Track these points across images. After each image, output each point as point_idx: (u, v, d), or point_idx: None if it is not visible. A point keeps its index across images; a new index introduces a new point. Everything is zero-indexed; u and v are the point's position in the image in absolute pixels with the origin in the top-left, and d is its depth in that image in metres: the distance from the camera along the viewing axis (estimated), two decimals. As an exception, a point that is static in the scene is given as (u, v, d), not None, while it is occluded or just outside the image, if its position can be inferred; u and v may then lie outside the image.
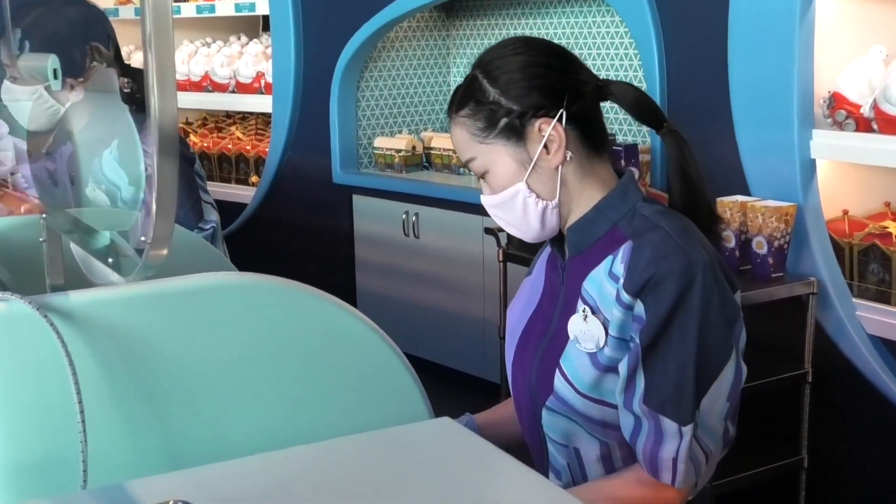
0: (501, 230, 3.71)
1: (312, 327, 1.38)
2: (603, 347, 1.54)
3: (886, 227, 2.97)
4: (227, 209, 5.38)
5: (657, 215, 1.57)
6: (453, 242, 4.39)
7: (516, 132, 1.58)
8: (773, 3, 3.05)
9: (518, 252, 3.49)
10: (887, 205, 3.13)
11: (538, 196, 1.60)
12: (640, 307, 1.50)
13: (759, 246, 3.00)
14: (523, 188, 1.59)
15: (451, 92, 1.66)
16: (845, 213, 3.11)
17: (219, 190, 5.47)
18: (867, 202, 3.17)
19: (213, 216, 2.90)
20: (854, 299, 3.02)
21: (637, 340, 1.51)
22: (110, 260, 1.24)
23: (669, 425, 1.50)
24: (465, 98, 1.62)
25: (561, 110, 1.57)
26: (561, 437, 1.62)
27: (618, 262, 1.54)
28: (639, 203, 1.60)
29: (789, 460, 3.11)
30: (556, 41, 1.70)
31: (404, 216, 4.59)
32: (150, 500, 1.11)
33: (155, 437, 1.29)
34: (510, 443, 1.74)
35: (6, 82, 2.27)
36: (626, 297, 1.51)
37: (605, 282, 1.55)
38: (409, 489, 1.18)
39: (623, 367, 1.53)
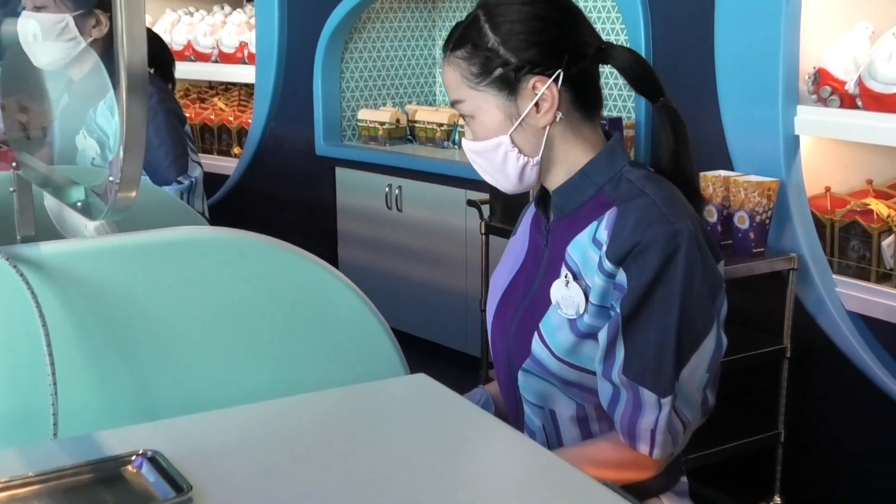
0: (485, 203, 3.72)
1: (286, 282, 1.37)
2: (583, 314, 1.52)
3: (868, 205, 2.97)
4: (210, 180, 5.32)
5: (643, 180, 1.55)
6: (436, 215, 4.37)
7: (509, 85, 1.55)
8: (760, -23, 3.04)
9: (500, 224, 3.48)
10: (869, 182, 3.13)
11: (520, 151, 1.57)
12: (621, 275, 1.49)
13: (741, 221, 3.00)
14: (506, 141, 1.57)
15: (448, 34, 1.63)
16: (827, 189, 3.11)
17: (201, 161, 5.43)
18: (850, 179, 3.17)
19: (196, 172, 2.92)
20: (834, 275, 3.03)
21: (618, 309, 1.49)
22: (79, 205, 1.23)
23: (648, 396, 1.49)
24: (463, 38, 1.58)
25: (559, 71, 1.54)
26: (537, 399, 1.61)
27: (602, 228, 1.52)
28: (626, 167, 1.58)
29: (766, 434, 3.12)
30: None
31: (387, 189, 4.57)
32: (120, 450, 1.10)
33: (126, 389, 1.28)
34: None
35: (25, 14, 2.26)
36: (608, 264, 1.49)
37: (588, 248, 1.54)
38: (384, 443, 1.17)
39: (602, 336, 1.51)
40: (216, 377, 1.34)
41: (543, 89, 1.54)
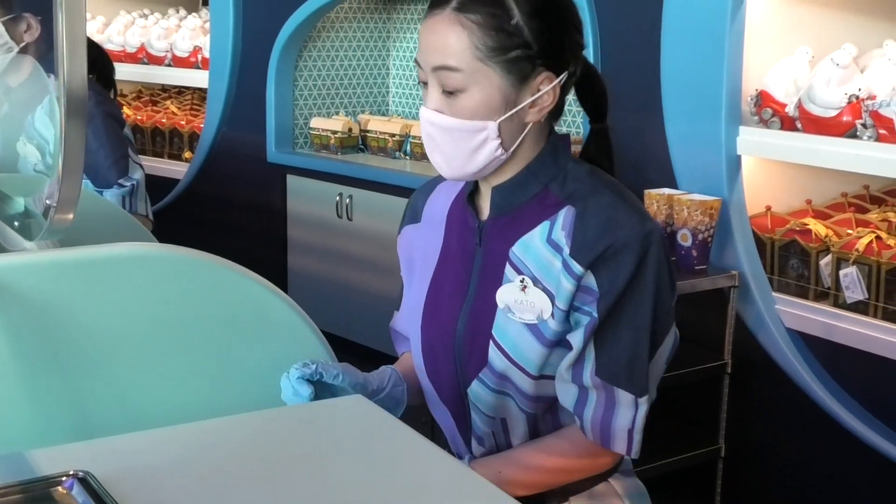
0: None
1: (227, 301, 1.38)
2: (547, 319, 1.47)
3: (807, 224, 3.03)
4: (159, 184, 5.32)
5: (592, 177, 1.51)
6: (386, 225, 4.38)
7: (520, 71, 1.45)
8: (706, 1, 3.09)
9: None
10: (809, 202, 3.19)
11: (501, 143, 1.47)
12: (590, 278, 1.45)
13: (684, 238, 3.05)
14: (492, 128, 1.46)
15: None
16: (768, 208, 3.17)
17: (151, 164, 5.40)
18: (789, 199, 3.23)
19: (137, 174, 2.92)
20: (774, 293, 3.08)
21: (594, 314, 1.45)
22: (16, 224, 1.23)
23: (624, 396, 1.47)
24: (480, 2, 1.44)
25: (564, 73, 1.48)
26: (489, 410, 1.56)
27: (557, 228, 1.47)
28: (569, 164, 1.52)
29: (707, 449, 3.17)
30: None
31: (338, 198, 4.57)
32: (51, 470, 1.10)
33: (62, 407, 1.28)
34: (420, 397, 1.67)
35: None
36: (577, 268, 1.44)
37: (542, 249, 1.48)
38: (319, 466, 1.19)
39: (577, 341, 1.47)
40: (153, 395, 1.34)
41: (548, 89, 1.47)
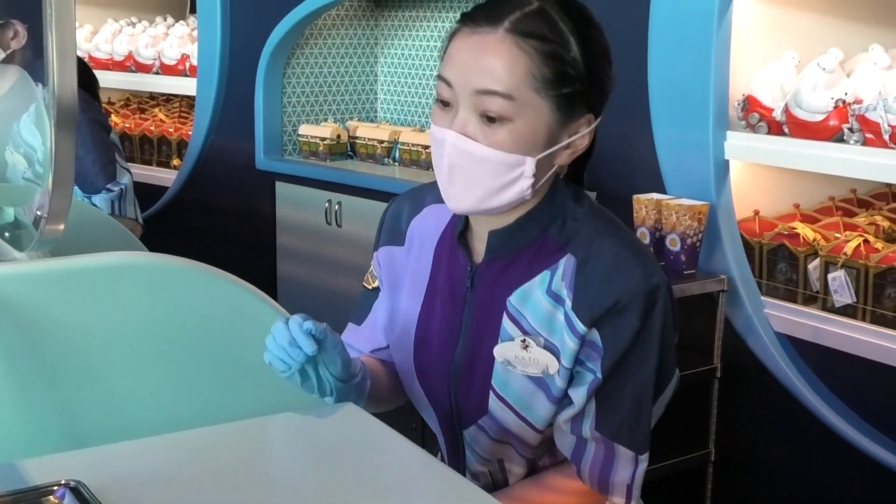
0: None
1: (216, 309, 1.38)
2: (553, 376, 1.41)
3: (795, 228, 3.04)
4: (148, 192, 5.31)
5: (592, 218, 1.42)
6: (375, 232, 4.38)
7: (570, 109, 1.37)
8: (692, 6, 3.10)
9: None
10: (796, 206, 3.21)
11: (535, 181, 1.37)
12: (594, 335, 1.39)
13: (673, 243, 3.06)
14: (530, 165, 1.35)
15: (488, 4, 1.35)
16: (756, 213, 3.18)
17: (139, 172, 5.39)
18: (777, 203, 3.24)
19: (124, 178, 2.94)
20: (763, 297, 3.09)
21: (598, 374, 1.39)
22: (7, 234, 1.23)
23: (625, 452, 1.42)
24: (537, 28, 1.33)
25: (601, 118, 1.42)
26: (485, 453, 1.52)
27: (557, 279, 1.40)
28: (569, 204, 1.44)
29: (697, 453, 3.18)
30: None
31: (327, 204, 4.57)
32: (42, 479, 1.10)
33: (53, 416, 1.29)
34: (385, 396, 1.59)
35: None
36: (580, 326, 1.38)
37: (542, 301, 1.41)
38: (311, 473, 1.19)
39: (580, 399, 1.41)
40: (144, 404, 1.34)
41: (586, 131, 1.40)
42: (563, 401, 1.43)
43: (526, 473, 1.53)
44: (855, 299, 2.87)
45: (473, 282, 1.47)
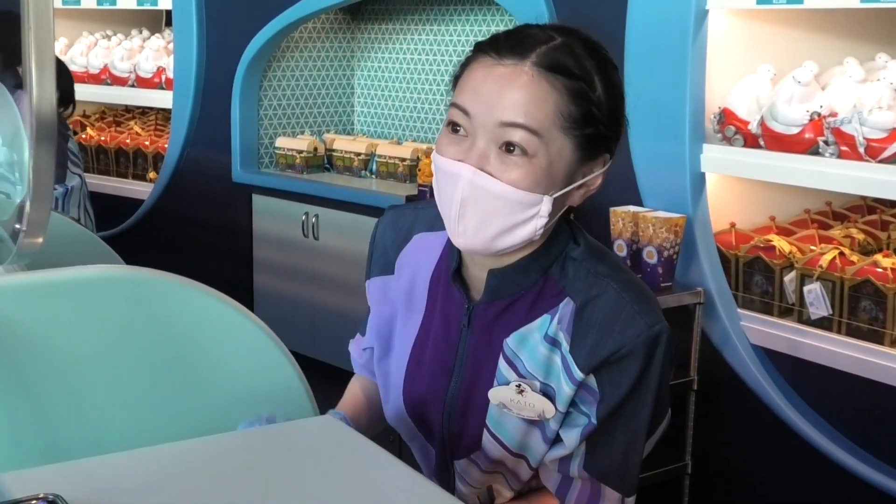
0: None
1: (195, 322, 1.37)
2: (548, 420, 1.39)
3: (771, 241, 3.06)
4: (124, 205, 5.29)
5: (590, 259, 1.39)
6: (352, 244, 4.38)
7: (590, 150, 1.33)
8: (668, 20, 3.13)
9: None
10: (772, 219, 3.23)
11: (548, 221, 1.34)
12: (591, 380, 1.36)
13: (650, 256, 3.07)
14: (547, 204, 1.31)
15: (515, 31, 1.33)
16: (732, 225, 3.20)
17: (115, 185, 5.38)
18: (753, 216, 3.26)
19: (73, 182, 3.04)
20: (739, 310, 3.11)
21: (594, 420, 1.37)
22: (-15, 248, 1.22)
23: (611, 494, 1.41)
24: (564, 64, 1.30)
25: (612, 159, 1.38)
26: (476, 483, 1.50)
27: (554, 323, 1.37)
28: (570, 244, 1.41)
29: (673, 466, 3.19)
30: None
31: (304, 217, 4.57)
32: (20, 493, 1.09)
33: (31, 429, 1.28)
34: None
35: None
36: (578, 373, 1.35)
37: (539, 346, 1.38)
38: (290, 486, 1.18)
39: (572, 442, 1.39)
40: (122, 417, 1.33)
41: (599, 172, 1.37)
42: (555, 440, 1.42)
43: (513, 495, 1.52)
44: (830, 312, 2.89)
45: (470, 321, 1.43)
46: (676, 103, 3.12)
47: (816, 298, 2.90)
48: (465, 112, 1.31)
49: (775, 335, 3.02)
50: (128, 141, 5.42)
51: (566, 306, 1.36)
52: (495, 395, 1.40)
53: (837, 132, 2.82)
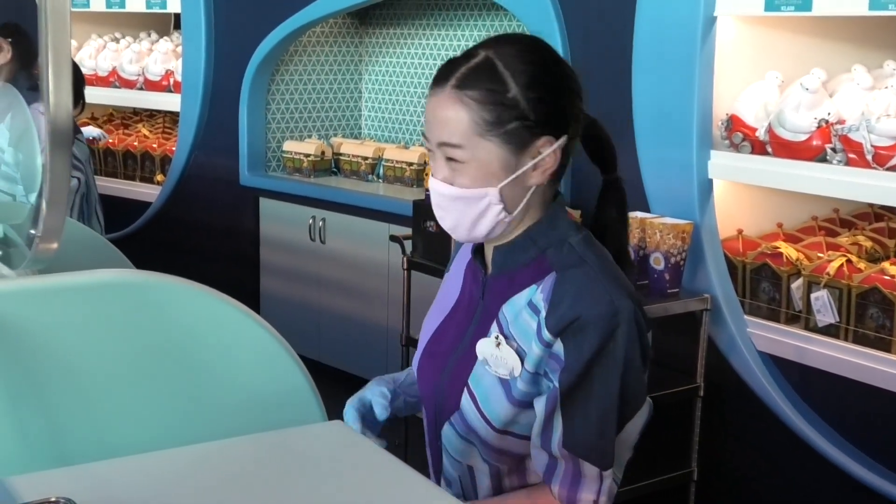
0: (407, 238, 3.75)
1: (205, 326, 1.38)
2: (516, 378, 1.51)
3: (778, 248, 3.06)
4: (131, 207, 5.30)
5: (583, 246, 1.54)
6: (359, 249, 4.39)
7: (519, 140, 1.49)
8: (676, 26, 3.13)
9: (422, 261, 3.52)
10: (779, 226, 3.23)
11: (504, 206, 1.52)
12: (559, 346, 1.48)
13: (657, 262, 3.07)
14: (494, 194, 1.50)
15: (445, 67, 1.53)
16: (740, 232, 3.20)
17: (122, 187, 5.39)
18: (761, 222, 3.26)
19: (70, 183, 3.16)
20: (745, 316, 3.11)
21: (556, 383, 1.48)
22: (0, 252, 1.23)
23: (590, 469, 1.49)
24: (477, 79, 1.49)
25: (565, 136, 1.51)
26: (456, 454, 1.61)
27: (538, 293, 1.51)
28: (570, 233, 1.56)
29: (679, 472, 3.19)
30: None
31: (311, 220, 4.58)
32: (33, 496, 1.10)
33: (42, 433, 1.28)
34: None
35: None
36: (546, 334, 1.48)
37: (523, 310, 1.53)
38: (296, 492, 1.19)
39: (540, 408, 1.50)
40: (132, 421, 1.34)
41: (549, 151, 1.51)
42: (526, 408, 1.52)
43: (492, 488, 1.61)
44: (837, 319, 2.89)
45: (484, 292, 1.61)
46: (684, 110, 3.12)
47: (823, 306, 2.91)
48: (425, 137, 1.57)
49: (782, 342, 3.02)
50: (136, 143, 5.44)
51: (550, 278, 1.52)
52: (480, 347, 1.56)
53: (845, 139, 2.83)
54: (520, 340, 1.52)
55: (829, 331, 2.91)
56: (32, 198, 1.13)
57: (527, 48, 1.54)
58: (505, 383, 1.53)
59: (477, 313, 1.60)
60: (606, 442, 1.49)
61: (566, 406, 1.49)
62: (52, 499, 1.08)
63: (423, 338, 1.71)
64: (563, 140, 1.52)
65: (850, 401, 2.90)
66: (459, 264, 1.72)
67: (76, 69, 3.46)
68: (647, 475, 3.10)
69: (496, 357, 1.53)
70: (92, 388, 1.32)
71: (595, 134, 1.61)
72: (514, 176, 1.50)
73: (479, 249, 1.64)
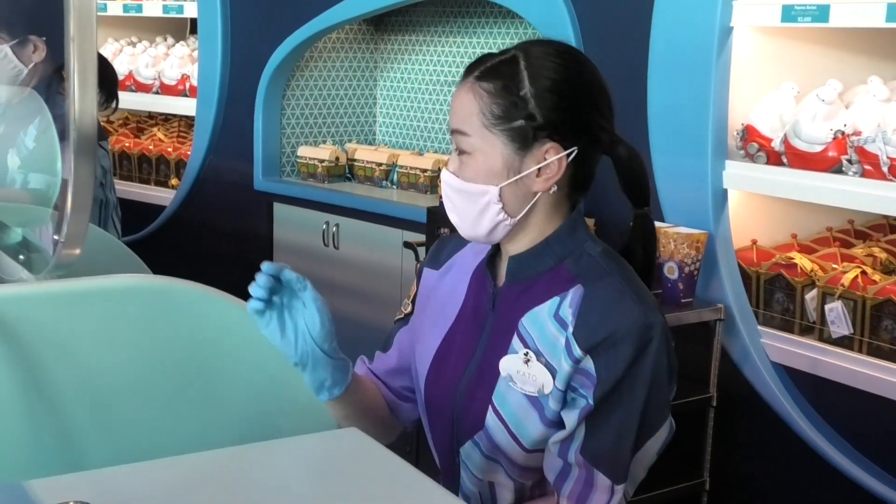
0: (421, 245, 3.75)
1: (223, 332, 1.39)
2: (547, 396, 1.50)
3: (792, 258, 3.06)
4: (146, 211, 5.32)
5: (605, 258, 1.53)
6: (372, 255, 4.39)
7: (524, 140, 1.50)
8: (692, 36, 3.13)
9: (435, 267, 3.51)
10: (794, 236, 3.22)
11: (503, 208, 1.52)
12: (589, 363, 1.47)
13: (671, 271, 3.07)
14: (494, 193, 1.51)
15: (475, 57, 1.55)
16: (754, 242, 3.19)
17: (137, 191, 5.41)
18: (775, 233, 3.26)
19: None
20: (759, 327, 3.10)
21: (590, 401, 1.47)
22: (21, 257, 1.24)
23: (602, 480, 1.49)
24: (495, 72, 1.51)
25: (574, 148, 1.51)
26: (478, 471, 1.59)
27: (566, 305, 1.50)
28: (587, 243, 1.55)
29: (691, 482, 3.18)
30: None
31: (325, 226, 4.58)
32: (48, 500, 1.10)
33: (58, 437, 1.29)
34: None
35: None
36: (577, 350, 1.47)
37: (549, 324, 1.51)
38: (311, 499, 1.19)
39: (571, 422, 1.49)
40: (148, 426, 1.35)
41: (553, 158, 1.50)
42: (554, 423, 1.51)
43: (514, 499, 1.59)
44: (852, 331, 2.88)
45: (494, 304, 1.58)
46: (699, 119, 3.12)
47: (838, 317, 2.90)
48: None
49: (796, 353, 3.01)
50: (151, 147, 5.46)
51: (576, 291, 1.50)
52: (504, 364, 1.53)
53: (861, 151, 2.82)
54: (548, 357, 1.50)
55: (843, 342, 2.90)
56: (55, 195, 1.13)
57: (556, 53, 1.54)
58: (536, 403, 1.51)
59: (487, 326, 1.58)
60: (624, 456, 1.48)
61: (590, 416, 1.48)
62: (70, 502, 1.09)
63: (426, 355, 1.66)
64: (572, 151, 1.50)
65: (864, 413, 2.89)
66: (458, 275, 1.68)
67: (109, 67, 3.46)
68: (659, 484, 3.09)
69: (523, 374, 1.51)
70: (106, 392, 1.33)
71: (631, 166, 1.57)
72: (515, 177, 1.50)
73: (490, 259, 1.61)
